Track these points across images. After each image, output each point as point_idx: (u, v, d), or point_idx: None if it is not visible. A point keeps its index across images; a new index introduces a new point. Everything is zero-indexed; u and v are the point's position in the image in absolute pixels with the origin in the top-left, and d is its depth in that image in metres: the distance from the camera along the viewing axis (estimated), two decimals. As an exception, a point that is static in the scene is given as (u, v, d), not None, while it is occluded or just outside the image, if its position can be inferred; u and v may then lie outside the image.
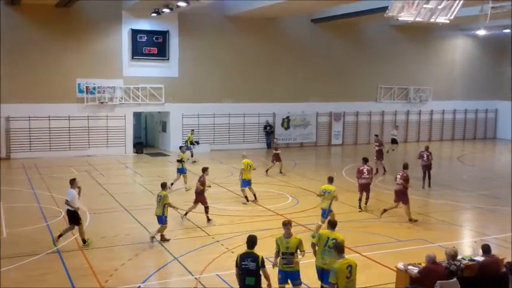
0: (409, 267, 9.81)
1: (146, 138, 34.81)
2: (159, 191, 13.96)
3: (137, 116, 32.68)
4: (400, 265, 10.08)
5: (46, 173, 23.32)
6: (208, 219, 15.55)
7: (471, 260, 10.31)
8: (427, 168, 21.21)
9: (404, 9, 14.33)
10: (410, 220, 15.86)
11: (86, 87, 28.32)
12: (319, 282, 9.74)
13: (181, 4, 24.44)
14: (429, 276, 9.22)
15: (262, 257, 8.61)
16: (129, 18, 29.04)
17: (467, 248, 13.06)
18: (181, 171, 20.48)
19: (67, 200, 13.16)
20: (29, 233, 14.38)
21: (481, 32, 36.16)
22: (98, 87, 28.55)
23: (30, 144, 27.77)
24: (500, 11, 21.69)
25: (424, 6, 14.04)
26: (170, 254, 12.80)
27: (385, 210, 16.33)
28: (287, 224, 9.59)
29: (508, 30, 34.69)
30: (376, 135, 26.87)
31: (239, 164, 19.04)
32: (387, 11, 14.50)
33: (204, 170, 16.20)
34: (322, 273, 9.59)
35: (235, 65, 31.60)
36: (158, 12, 27.09)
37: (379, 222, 15.86)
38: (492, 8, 20.35)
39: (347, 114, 35.09)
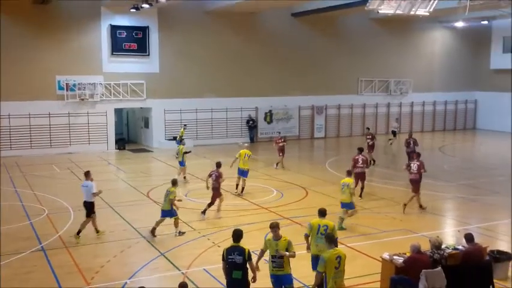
0: (394, 257, 9.93)
1: (128, 135, 34.60)
2: (168, 187, 13.99)
3: (118, 112, 32.44)
4: (386, 255, 10.19)
5: (28, 171, 23.06)
6: (204, 212, 15.65)
7: (455, 248, 10.49)
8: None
9: (384, 2, 14.45)
10: (421, 207, 16.30)
11: (66, 84, 28.03)
12: (307, 279, 9.80)
13: (161, -1, 24.28)
14: (414, 265, 9.34)
15: (248, 250, 8.64)
16: (108, 14, 28.77)
17: (451, 237, 13.27)
18: (181, 164, 21.21)
19: (94, 193, 13.61)
20: (13, 232, 14.23)
21: (459, 24, 36.62)
22: (78, 84, 28.28)
23: (10, 142, 27.41)
24: (478, 2, 22.03)
25: (404, -2, 14.19)
26: (156, 249, 12.77)
27: (405, 205, 16.26)
28: (275, 227, 9.14)
29: (485, 22, 35.14)
30: (368, 128, 27.51)
31: (222, 158, 19.06)
32: (368, 4, 14.61)
33: (218, 165, 16.32)
34: (317, 260, 9.34)
35: (216, 60, 31.52)
36: (137, 8, 26.85)
37: (363, 214, 15.99)
38: (470, 0, 20.64)
39: (329, 107, 35.27)
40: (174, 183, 14.22)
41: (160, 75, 30.25)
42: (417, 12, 14.67)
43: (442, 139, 34.87)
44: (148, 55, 29.90)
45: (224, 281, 8.93)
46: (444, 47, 39.40)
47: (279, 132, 27.91)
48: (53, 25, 27.57)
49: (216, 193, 15.81)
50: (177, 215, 13.98)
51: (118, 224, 15.11)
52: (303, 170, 23.82)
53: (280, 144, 23.89)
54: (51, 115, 27.97)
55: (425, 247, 10.11)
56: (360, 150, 18.45)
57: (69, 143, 28.53)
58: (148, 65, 30.05)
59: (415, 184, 16.34)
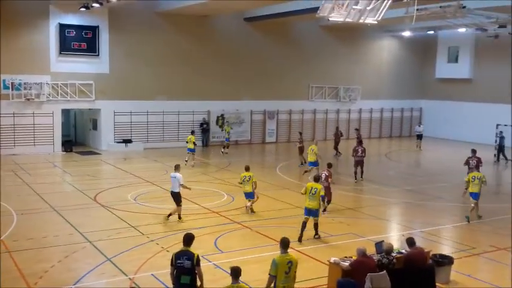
0: (341, 261, 10.12)
1: (76, 136, 33.79)
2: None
3: (66, 113, 31.65)
4: (332, 259, 10.37)
5: (-32, 173, 22.15)
6: (325, 210, 16.62)
7: (399, 252, 10.79)
8: (360, 163, 22.30)
9: (334, 9, 14.70)
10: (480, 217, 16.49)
11: (11, 83, 27.08)
12: (257, 282, 9.88)
13: (112, -1, 23.91)
14: (360, 268, 9.54)
15: (197, 255, 8.59)
16: (56, 13, 28.05)
17: (395, 242, 13.62)
18: (191, 150, 25.02)
19: (182, 184, 15.22)
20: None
21: (407, 34, 37.68)
22: (24, 84, 27.40)
23: (-51, 143, 26.28)
24: (424, 13, 22.79)
25: (354, 7, 14.47)
26: (103, 254, 12.52)
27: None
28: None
29: (431, 32, 36.37)
30: (357, 129, 30.59)
31: (173, 162, 18.95)
32: (318, 11, 14.82)
33: (329, 165, 17.31)
34: (309, 212, 13.93)
35: (168, 62, 31.25)
36: (87, 7, 26.34)
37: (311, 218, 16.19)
38: (417, 10, 21.32)
39: (280, 113, 35.59)
40: (247, 169, 16.47)
41: (110, 76, 29.71)
42: (366, 21, 14.99)
43: (388, 145, 35.80)
44: (98, 55, 29.32)
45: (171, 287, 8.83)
46: (392, 56, 40.51)
47: (300, 133, 29.10)
48: (-2, 22, 26.66)
49: (328, 192, 16.65)
50: (254, 197, 16.24)
51: (63, 228, 14.71)
52: (254, 174, 23.86)
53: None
54: (-6, 115, 27.01)
55: (371, 251, 10.36)
56: (360, 142, 23.14)
57: (13, 144, 27.56)
58: (97, 65, 29.46)
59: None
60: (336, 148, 30.00)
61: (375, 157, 29.54)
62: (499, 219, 16.78)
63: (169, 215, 15.46)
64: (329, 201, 16.88)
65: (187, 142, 25.32)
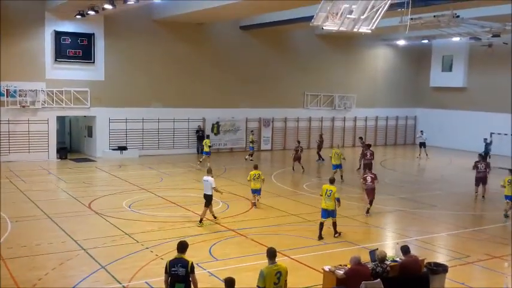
0: (336, 269, 10.13)
1: (71, 144, 33.70)
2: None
3: (61, 120, 31.59)
4: (327, 267, 10.38)
5: (-38, 180, 22.05)
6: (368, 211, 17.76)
7: (393, 260, 10.80)
8: (369, 166, 24.00)
9: (328, 18, 14.76)
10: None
11: (7, 90, 27.07)
12: None
13: (107, 7, 23.87)
14: (354, 277, 9.55)
15: (192, 263, 8.58)
16: (52, 20, 28.07)
17: (390, 250, 13.63)
18: (207, 153, 27.37)
19: (214, 187, 15.91)
20: None
21: (401, 42, 37.97)
22: (20, 91, 27.37)
23: None
24: (418, 22, 22.92)
25: (348, 16, 14.54)
26: (97, 262, 12.47)
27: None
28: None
29: (426, 41, 36.61)
30: (361, 138, 31.86)
31: (168, 169, 18.95)
32: (312, 20, 14.87)
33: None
34: (325, 212, 14.71)
35: (164, 70, 31.31)
36: (83, 14, 26.38)
37: (306, 226, 16.23)
38: (411, 19, 21.45)
39: (276, 120, 35.66)
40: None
41: (105, 83, 29.71)
42: (360, 30, 15.05)
43: (383, 153, 35.86)
44: (94, 62, 29.34)
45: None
46: (386, 65, 40.70)
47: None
48: (-6, 29, 26.65)
49: (373, 193, 17.52)
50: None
51: (58, 235, 14.65)
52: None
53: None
54: (-11, 122, 26.94)
55: (366, 259, 10.38)
56: (368, 146, 25.15)
57: (8, 152, 27.48)
58: (93, 73, 29.47)
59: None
60: (318, 154, 30.74)
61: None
62: (493, 228, 16.85)
63: (201, 220, 15.94)
64: (371, 202, 17.83)
65: (203, 145, 28.01)
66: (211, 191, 15.96)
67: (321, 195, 14.91)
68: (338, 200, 14.87)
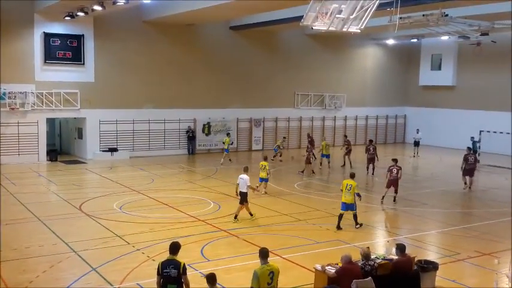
0: (327, 267, 10.17)
1: (61, 146, 33.52)
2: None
3: (51, 122, 31.42)
4: (318, 266, 10.42)
5: (-49, 184, 21.88)
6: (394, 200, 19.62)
7: (384, 259, 10.86)
8: (372, 160, 26.47)
9: (318, 18, 14.80)
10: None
11: (-5, 92, 26.92)
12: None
13: (97, 8, 23.79)
14: (346, 275, 9.60)
15: (184, 264, 8.59)
16: (41, 21, 27.90)
17: (381, 248, 13.71)
18: (226, 151, 28.76)
19: (249, 185, 16.55)
20: None
21: (390, 42, 38.17)
22: (9, 93, 27.18)
23: None
24: (407, 21, 23.06)
25: (337, 16, 14.60)
26: (88, 264, 12.43)
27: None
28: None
29: (415, 40, 36.82)
30: (345, 136, 31.88)
31: (159, 170, 18.92)
32: (302, 20, 14.91)
33: (396, 160, 20.18)
34: (345, 206, 15.69)
35: (154, 71, 31.23)
36: (72, 16, 26.24)
37: (298, 225, 16.28)
38: (400, 18, 21.58)
39: (266, 120, 35.69)
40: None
41: (95, 85, 29.58)
42: (349, 30, 15.12)
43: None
44: (83, 64, 29.21)
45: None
46: (376, 64, 40.86)
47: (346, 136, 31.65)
48: (-18, 31, 26.46)
49: (396, 183, 19.32)
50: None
51: (48, 238, 14.59)
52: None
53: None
54: (-22, 124, 26.74)
55: (357, 257, 10.42)
56: (370, 141, 27.94)
57: (-3, 154, 27.33)
58: (83, 74, 29.33)
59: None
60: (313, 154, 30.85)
61: (360, 164, 29.67)
62: (482, 225, 16.98)
63: (235, 216, 16.53)
64: (396, 191, 19.58)
65: (223, 143, 29.36)
66: (246, 188, 16.50)
67: (341, 190, 15.83)
68: (358, 194, 15.82)
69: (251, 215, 16.74)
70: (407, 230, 16.26)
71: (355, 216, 15.96)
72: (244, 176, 16.66)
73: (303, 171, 25.69)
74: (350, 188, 15.60)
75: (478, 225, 16.91)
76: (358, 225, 15.90)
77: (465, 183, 22.68)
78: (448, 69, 38.47)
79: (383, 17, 22.56)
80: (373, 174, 25.91)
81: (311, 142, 29.41)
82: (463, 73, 37.69)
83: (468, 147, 24.47)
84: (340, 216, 15.78)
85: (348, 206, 15.74)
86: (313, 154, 28.87)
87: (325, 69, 37.66)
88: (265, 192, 20.67)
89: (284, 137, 33.28)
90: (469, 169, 22.57)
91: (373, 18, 15.94)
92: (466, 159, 22.70)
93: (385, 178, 19.89)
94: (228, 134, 30.67)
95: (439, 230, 16.53)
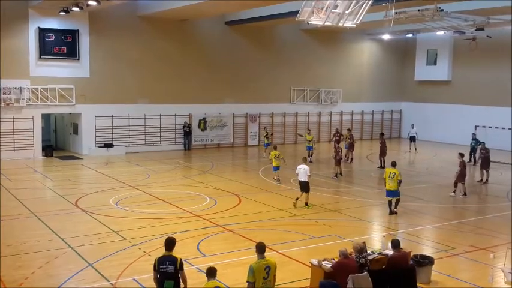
0: (323, 262, 10.20)
1: (56, 141, 33.46)
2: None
3: (46, 117, 31.32)
4: (314, 261, 10.45)
5: None
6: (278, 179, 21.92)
7: (380, 253, 10.90)
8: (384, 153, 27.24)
9: (313, 13, 14.80)
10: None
11: (-10, 88, 26.79)
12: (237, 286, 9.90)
13: (92, 3, 23.70)
14: (342, 270, 9.64)
15: (180, 260, 8.60)
16: (36, 17, 27.78)
17: (377, 243, 13.76)
18: (266, 145, 29.94)
19: (309, 175, 17.39)
20: None
21: (386, 37, 38.16)
22: (4, 88, 27.08)
23: None
24: (403, 16, 23.08)
25: (333, 11, 14.60)
26: (84, 260, 12.42)
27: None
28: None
29: (410, 35, 36.82)
30: (337, 129, 32.19)
31: (155, 166, 18.90)
32: (298, 15, 14.90)
33: (462, 155, 20.28)
34: (390, 192, 16.92)
35: (150, 66, 31.16)
36: (67, 11, 26.13)
37: (294, 220, 16.30)
38: (395, 13, 21.59)
39: (262, 115, 35.67)
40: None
41: (90, 80, 29.49)
42: (345, 25, 15.13)
43: (370, 147, 36.05)
44: (78, 59, 29.10)
45: (154, 291, 8.82)
46: (372, 59, 40.86)
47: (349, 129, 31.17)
48: (-24, 26, 26.32)
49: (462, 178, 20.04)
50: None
51: (44, 233, 14.57)
52: (237, 177, 23.94)
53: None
54: (-28, 120, 26.63)
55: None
56: (382, 134, 28.70)
57: (-8, 150, 27.24)
58: (78, 69, 29.23)
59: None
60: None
61: (356, 159, 29.74)
62: (477, 220, 17.07)
63: (297, 198, 17.59)
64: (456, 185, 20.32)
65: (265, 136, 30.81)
66: (306, 177, 17.33)
67: (384, 178, 16.99)
68: (400, 182, 16.79)
69: (306, 204, 17.51)
70: (403, 224, 16.30)
71: (397, 202, 16.99)
72: (305, 166, 17.54)
73: (336, 176, 23.73)
74: (394, 175, 16.66)
75: (474, 220, 16.99)
76: (394, 212, 17.01)
77: (481, 179, 23.26)
78: (443, 64, 38.49)
79: (378, 12, 22.57)
80: (384, 166, 26.16)
81: (338, 140, 28.53)
82: (458, 68, 37.73)
83: (476, 139, 26.86)
84: (390, 203, 16.99)
85: (393, 193, 16.84)
86: (340, 151, 25.29)
87: (321, 65, 37.64)
88: (278, 180, 22.10)
89: (309, 130, 31.41)
90: (484, 160, 23.34)
91: (369, 13, 15.94)
92: (477, 151, 24.36)
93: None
94: (264, 128, 32.35)
95: (434, 224, 16.58)
